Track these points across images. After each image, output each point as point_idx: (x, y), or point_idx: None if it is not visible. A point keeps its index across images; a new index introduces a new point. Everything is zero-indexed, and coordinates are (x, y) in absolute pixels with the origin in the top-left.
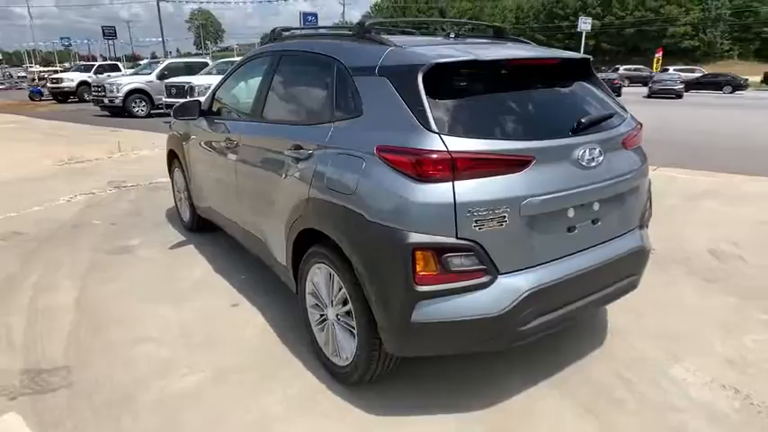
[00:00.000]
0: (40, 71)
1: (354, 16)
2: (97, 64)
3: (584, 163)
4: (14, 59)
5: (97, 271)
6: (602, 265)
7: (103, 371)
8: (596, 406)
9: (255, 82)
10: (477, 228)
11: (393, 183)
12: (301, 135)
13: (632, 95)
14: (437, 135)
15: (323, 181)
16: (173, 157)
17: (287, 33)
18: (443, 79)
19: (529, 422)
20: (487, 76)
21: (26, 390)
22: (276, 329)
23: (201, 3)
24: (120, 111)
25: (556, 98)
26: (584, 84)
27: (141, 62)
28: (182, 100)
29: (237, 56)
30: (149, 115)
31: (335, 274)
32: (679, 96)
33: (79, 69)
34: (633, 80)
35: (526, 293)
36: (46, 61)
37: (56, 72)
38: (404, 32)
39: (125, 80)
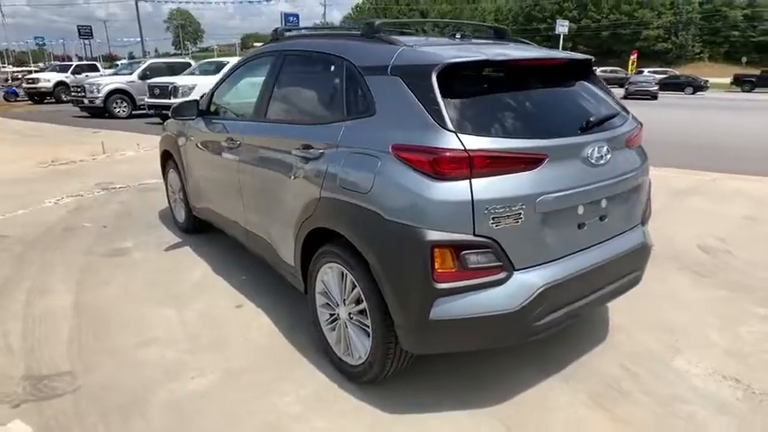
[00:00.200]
0: (14, 71)
1: (335, 17)
2: (75, 64)
3: (593, 161)
4: None
5: (92, 274)
6: (610, 260)
7: (109, 375)
8: (606, 399)
9: (258, 82)
10: (494, 225)
11: (410, 181)
12: (310, 134)
13: None
14: (454, 134)
15: (335, 180)
16: (167, 158)
17: (289, 33)
18: (457, 79)
19: (542, 415)
20: (498, 75)
21: (30, 396)
22: (283, 330)
23: (180, 3)
24: (100, 111)
25: (563, 97)
26: (587, 83)
27: (119, 62)
28: (165, 101)
29: (218, 56)
30: (131, 116)
31: (349, 273)
32: (654, 97)
33: (56, 69)
34: (610, 81)
35: (541, 289)
36: (19, 61)
37: (30, 72)
38: (402, 33)
39: (105, 80)
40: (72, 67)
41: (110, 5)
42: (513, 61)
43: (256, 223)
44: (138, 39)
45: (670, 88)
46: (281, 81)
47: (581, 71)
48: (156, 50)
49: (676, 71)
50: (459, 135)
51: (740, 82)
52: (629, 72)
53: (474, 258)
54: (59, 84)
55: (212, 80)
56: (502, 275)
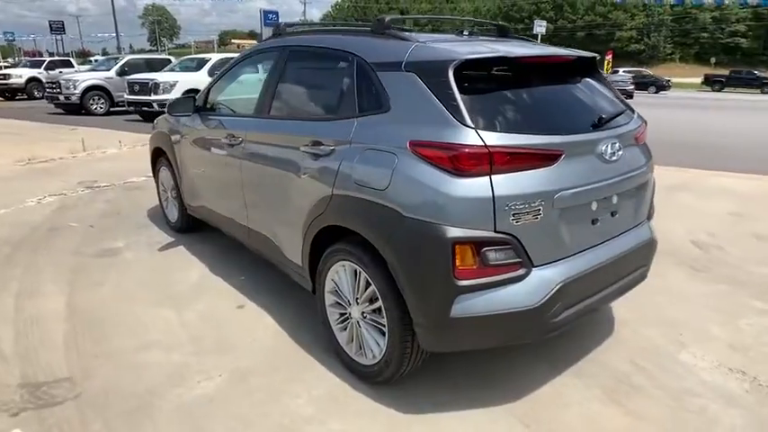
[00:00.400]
0: None
1: (314, 14)
2: (48, 59)
3: (606, 157)
4: None
5: (83, 275)
6: (621, 256)
7: (111, 380)
8: (619, 393)
9: (260, 77)
10: (514, 221)
11: (430, 178)
12: (319, 131)
13: None
14: (473, 130)
15: (349, 177)
16: (158, 155)
17: (291, 29)
18: (472, 75)
19: (558, 412)
20: (512, 72)
21: (28, 404)
22: (288, 330)
23: None
24: (76, 108)
25: (574, 94)
26: (594, 81)
27: (92, 58)
28: (145, 97)
29: (195, 53)
30: (108, 113)
31: (363, 272)
32: (630, 96)
33: (27, 65)
34: None
35: (559, 285)
36: None
37: (1, 68)
38: (401, 29)
39: (82, 76)
40: (45, 63)
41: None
42: (526, 58)
43: (260, 221)
44: (112, 34)
45: (636, 87)
46: (286, 77)
47: (587, 68)
48: (130, 47)
49: (651, 71)
50: (478, 131)
51: (710, 82)
52: (606, 72)
53: (494, 255)
54: (32, 80)
55: (194, 77)
56: (521, 272)
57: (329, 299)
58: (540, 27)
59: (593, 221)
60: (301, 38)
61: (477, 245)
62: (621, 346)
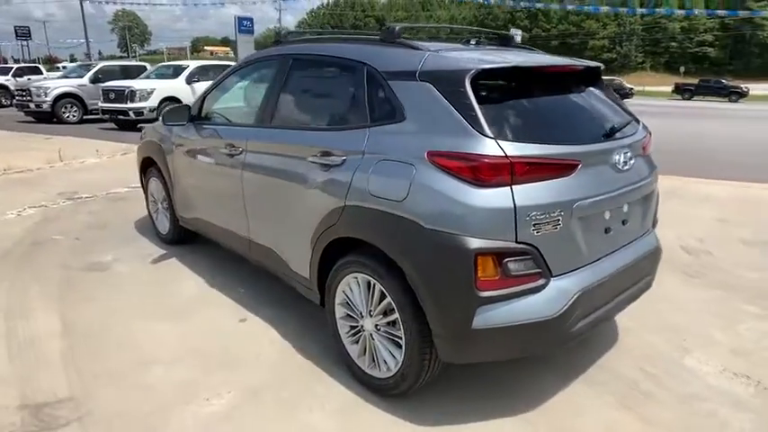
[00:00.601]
0: None
1: (288, 21)
2: (15, 66)
3: (619, 166)
4: None
5: (73, 290)
6: (631, 264)
7: (117, 400)
8: (630, 400)
9: (260, 86)
10: (534, 231)
11: (450, 188)
12: (329, 141)
13: None
14: (493, 140)
15: (364, 188)
16: (148, 166)
17: (293, 38)
18: (488, 85)
19: (574, 420)
20: (526, 81)
21: (31, 427)
22: (294, 343)
23: (124, 4)
24: (48, 116)
25: (584, 104)
26: (599, 90)
27: (60, 65)
28: (121, 105)
29: (168, 59)
30: (82, 121)
31: (377, 283)
32: None
33: None
34: None
35: (577, 294)
36: None
37: None
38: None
39: (54, 83)
40: (13, 70)
41: (47, 5)
42: (540, 67)
43: (262, 233)
44: (80, 40)
45: None
46: (290, 86)
47: (593, 78)
48: (99, 53)
49: (623, 80)
50: (498, 141)
51: (681, 90)
52: None
53: (516, 266)
54: None
55: (172, 84)
56: (541, 282)
57: (339, 311)
58: (516, 36)
59: (606, 230)
60: (305, 46)
61: (499, 256)
62: (628, 354)
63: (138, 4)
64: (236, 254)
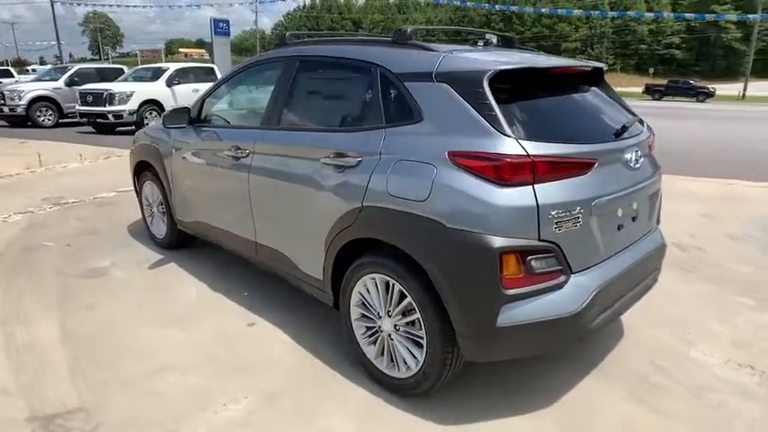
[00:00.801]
0: None
1: (264, 23)
2: None
3: (631, 164)
4: None
5: (72, 298)
6: (642, 260)
7: (130, 409)
8: (642, 393)
9: (265, 88)
10: (556, 229)
11: (474, 188)
12: (343, 142)
13: None
14: (514, 140)
15: (382, 189)
16: (143, 169)
17: (298, 40)
18: (506, 85)
19: (592, 415)
20: (539, 82)
21: None
22: (306, 346)
23: (95, 5)
24: (22, 120)
25: (593, 103)
26: (604, 91)
27: (30, 68)
28: (99, 108)
29: (141, 62)
30: (57, 125)
31: (397, 284)
32: None
33: None
34: None
35: (596, 291)
36: None
37: None
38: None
39: (28, 87)
40: None
41: (15, 7)
42: (552, 68)
43: (271, 236)
44: (51, 42)
45: None
46: (298, 87)
47: (598, 78)
48: (70, 55)
49: None
50: (519, 141)
51: (651, 91)
52: None
53: (538, 263)
54: None
55: (151, 87)
56: (562, 279)
57: (355, 312)
58: (492, 39)
59: (619, 227)
60: (311, 48)
61: (523, 254)
62: (635, 348)
63: (111, 6)
64: (236, 257)
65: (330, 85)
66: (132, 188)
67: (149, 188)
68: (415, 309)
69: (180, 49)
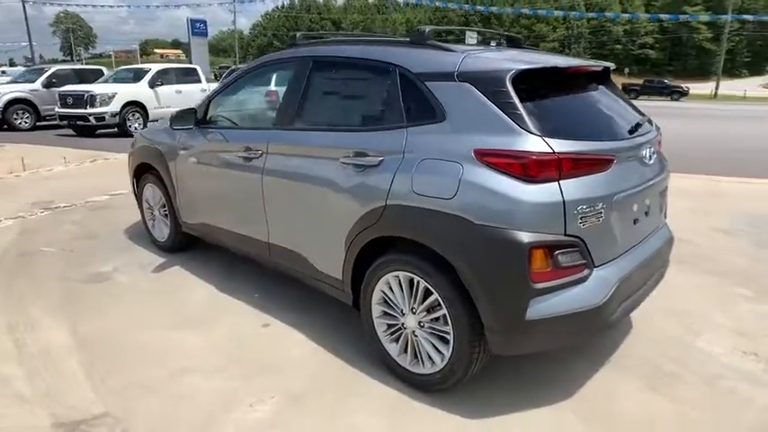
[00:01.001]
0: None
1: (242, 24)
2: None
3: (645, 161)
4: None
5: (77, 303)
6: (655, 253)
7: (157, 413)
8: (657, 382)
9: (277, 89)
10: (581, 224)
11: (501, 185)
12: (363, 142)
13: None
14: (540, 137)
15: (407, 187)
16: (143, 171)
17: (310, 40)
18: (526, 85)
19: (610, 405)
20: (557, 81)
21: None
22: (325, 346)
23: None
24: None
25: (607, 101)
26: (611, 89)
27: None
28: (80, 111)
29: (115, 63)
30: (35, 128)
31: (422, 280)
32: None
33: None
34: None
35: (617, 283)
36: None
37: None
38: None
39: (3, 89)
40: None
41: None
42: (570, 68)
43: (285, 236)
44: (21, 43)
45: None
46: (313, 87)
47: (606, 78)
48: (41, 57)
49: None
50: (545, 139)
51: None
52: None
53: (565, 257)
54: None
55: (134, 88)
56: (586, 272)
57: (377, 310)
58: (472, 39)
59: (635, 221)
60: (325, 48)
61: (551, 248)
62: (645, 338)
63: (84, 6)
64: (240, 258)
65: (347, 86)
66: (128, 191)
67: (150, 190)
68: (440, 305)
69: (155, 50)
